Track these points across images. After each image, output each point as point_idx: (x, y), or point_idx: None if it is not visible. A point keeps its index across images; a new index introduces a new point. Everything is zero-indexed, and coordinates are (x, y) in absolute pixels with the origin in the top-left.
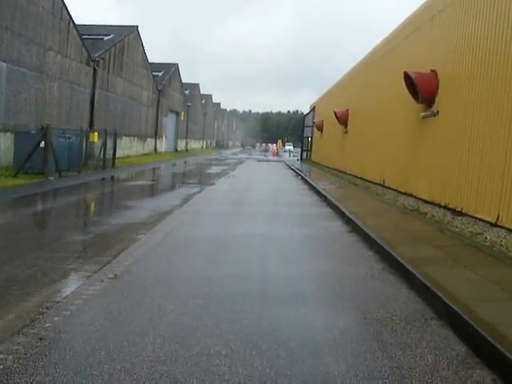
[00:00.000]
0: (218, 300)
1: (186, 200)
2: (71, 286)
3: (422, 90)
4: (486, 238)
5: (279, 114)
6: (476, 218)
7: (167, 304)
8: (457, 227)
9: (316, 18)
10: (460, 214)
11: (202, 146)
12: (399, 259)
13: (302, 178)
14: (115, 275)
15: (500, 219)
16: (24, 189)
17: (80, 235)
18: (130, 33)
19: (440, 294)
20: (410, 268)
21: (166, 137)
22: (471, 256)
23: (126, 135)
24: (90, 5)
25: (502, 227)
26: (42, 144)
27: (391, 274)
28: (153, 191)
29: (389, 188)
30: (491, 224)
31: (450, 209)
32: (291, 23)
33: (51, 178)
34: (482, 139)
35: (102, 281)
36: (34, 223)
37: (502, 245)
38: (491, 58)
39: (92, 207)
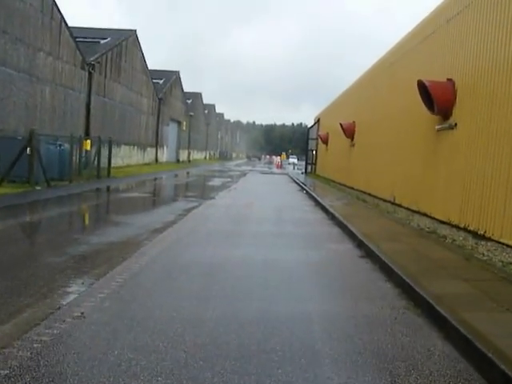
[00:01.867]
0: (205, 355)
1: (181, 216)
2: (24, 327)
3: (438, 101)
4: None
5: (283, 126)
6: (503, 244)
7: (140, 359)
8: (483, 255)
9: (321, 32)
10: (483, 237)
11: (205, 157)
12: (426, 297)
13: (307, 192)
14: (82, 313)
15: None
16: (4, 199)
17: (53, 257)
18: (129, 37)
19: (490, 355)
20: (442, 311)
21: (167, 146)
22: (511, 294)
23: (125, 144)
24: (94, 12)
25: None
26: (29, 151)
27: (418, 315)
28: (146, 205)
29: (400, 206)
30: None
31: (470, 231)
32: (297, 36)
33: (38, 188)
34: (510, 156)
35: (64, 321)
36: (3, 241)
37: None
38: None
39: (74, 222)
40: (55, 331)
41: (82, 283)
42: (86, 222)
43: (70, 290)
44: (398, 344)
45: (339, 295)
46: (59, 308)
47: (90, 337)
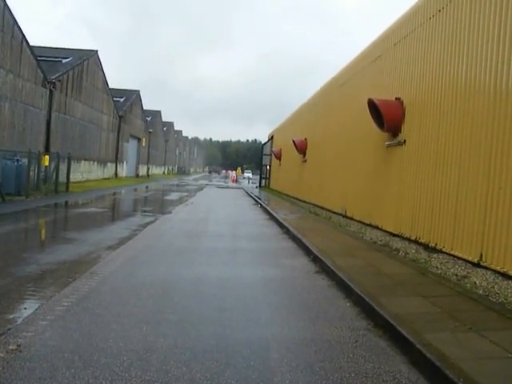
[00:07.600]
0: None
1: (136, 232)
2: None
3: (388, 118)
4: (475, 282)
5: (238, 142)
6: (454, 256)
7: None
8: (437, 268)
9: (276, 56)
10: (434, 250)
11: (164, 172)
12: (387, 317)
13: (262, 206)
14: (18, 346)
15: (484, 259)
16: None
17: None
18: (90, 57)
19: None
20: (404, 332)
21: (127, 162)
22: (471, 311)
23: (85, 159)
24: (62, 34)
25: (486, 268)
26: None
27: (379, 337)
28: (102, 220)
29: (351, 219)
30: (473, 264)
31: (421, 244)
32: (253, 59)
33: None
34: (458, 170)
35: None
36: None
37: (497, 293)
38: (462, 85)
39: (24, 240)
40: None
41: (25, 308)
42: (37, 239)
43: (10, 317)
44: (361, 372)
45: (297, 316)
46: None
47: (22, 378)
